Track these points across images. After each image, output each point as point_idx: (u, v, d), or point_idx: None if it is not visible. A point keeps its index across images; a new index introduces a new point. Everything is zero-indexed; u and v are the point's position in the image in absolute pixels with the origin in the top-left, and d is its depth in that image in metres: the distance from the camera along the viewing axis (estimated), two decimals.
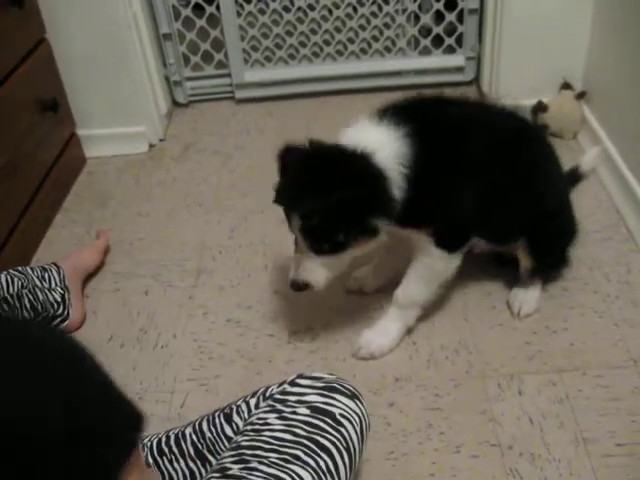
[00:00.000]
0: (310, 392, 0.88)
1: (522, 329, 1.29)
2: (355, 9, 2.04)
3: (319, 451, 0.81)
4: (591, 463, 1.04)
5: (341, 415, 0.86)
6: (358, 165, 1.04)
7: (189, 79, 2.14)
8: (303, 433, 0.82)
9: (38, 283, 1.31)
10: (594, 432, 1.09)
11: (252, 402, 0.92)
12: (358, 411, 0.88)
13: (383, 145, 1.06)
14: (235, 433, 0.90)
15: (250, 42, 2.08)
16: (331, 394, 0.88)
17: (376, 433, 1.11)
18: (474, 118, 1.17)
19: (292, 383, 0.90)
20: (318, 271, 1.13)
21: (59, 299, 1.34)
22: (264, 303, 1.40)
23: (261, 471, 0.77)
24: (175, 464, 0.93)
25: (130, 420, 0.62)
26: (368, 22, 2.06)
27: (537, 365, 1.21)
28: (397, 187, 1.06)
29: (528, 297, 1.32)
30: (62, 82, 1.82)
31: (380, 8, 2.03)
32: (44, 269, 1.35)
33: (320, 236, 1.08)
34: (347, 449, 0.83)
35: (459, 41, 2.06)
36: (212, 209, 1.70)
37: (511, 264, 1.35)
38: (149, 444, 0.96)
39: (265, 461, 0.78)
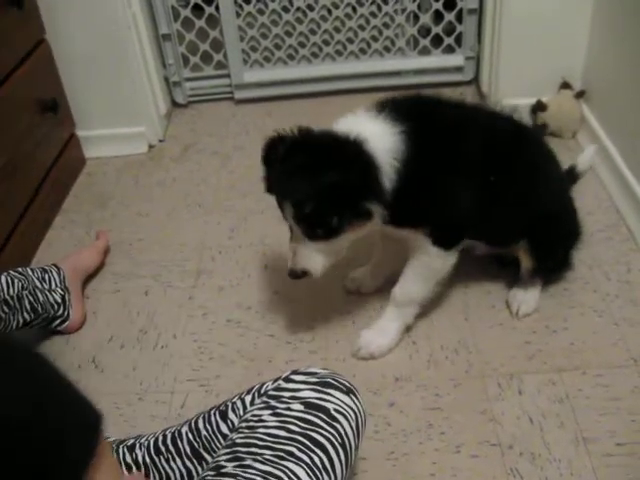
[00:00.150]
0: (304, 388, 0.87)
1: (522, 328, 1.29)
2: (354, 9, 2.04)
3: (314, 447, 0.80)
4: (591, 463, 1.04)
5: (336, 410, 0.85)
6: (349, 150, 1.04)
7: (188, 80, 2.14)
8: (297, 429, 0.81)
9: (38, 284, 1.30)
10: (594, 432, 1.09)
11: (247, 399, 0.92)
12: (353, 406, 0.87)
13: (377, 137, 1.06)
14: (231, 430, 0.90)
15: (249, 42, 2.08)
16: (325, 389, 0.87)
17: (376, 433, 1.11)
18: (471, 119, 1.18)
19: (286, 379, 0.89)
20: (315, 258, 1.12)
21: (59, 300, 1.34)
22: (264, 303, 1.40)
23: (255, 468, 0.76)
24: (172, 463, 0.93)
25: (90, 419, 0.65)
26: (367, 22, 2.06)
27: (537, 364, 1.21)
28: (387, 177, 1.05)
29: (527, 297, 1.32)
30: (62, 83, 1.82)
31: (379, 8, 2.03)
32: (44, 270, 1.35)
33: (314, 221, 1.07)
34: (342, 445, 0.82)
35: (458, 41, 2.06)
36: (212, 209, 1.70)
37: (512, 265, 1.35)
38: (146, 443, 0.96)
39: (259, 458, 0.78)
